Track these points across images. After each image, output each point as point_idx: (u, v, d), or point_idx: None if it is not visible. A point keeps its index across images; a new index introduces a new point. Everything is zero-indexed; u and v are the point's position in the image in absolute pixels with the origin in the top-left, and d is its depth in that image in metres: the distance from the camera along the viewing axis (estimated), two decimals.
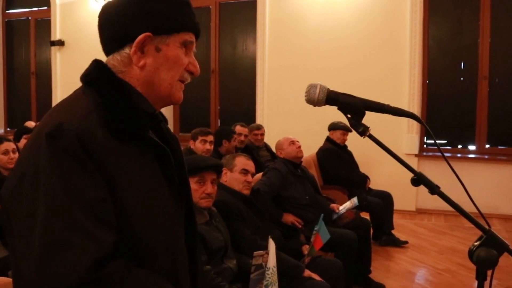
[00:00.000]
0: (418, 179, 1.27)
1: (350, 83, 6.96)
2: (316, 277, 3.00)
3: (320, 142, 5.97)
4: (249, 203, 3.32)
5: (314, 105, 1.30)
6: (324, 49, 7.31)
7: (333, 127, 5.84)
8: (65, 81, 9.05)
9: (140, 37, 1.20)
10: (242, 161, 3.32)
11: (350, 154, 5.96)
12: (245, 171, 3.29)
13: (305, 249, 3.40)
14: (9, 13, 9.99)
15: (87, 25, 8.58)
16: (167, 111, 8.53)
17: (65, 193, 1.03)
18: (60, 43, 8.85)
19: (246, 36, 8.17)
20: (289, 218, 4.07)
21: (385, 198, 5.65)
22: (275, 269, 2.70)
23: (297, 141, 4.48)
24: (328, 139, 5.88)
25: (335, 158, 5.67)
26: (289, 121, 7.45)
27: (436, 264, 4.91)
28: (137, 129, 1.18)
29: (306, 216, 4.09)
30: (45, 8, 9.26)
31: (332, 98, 1.29)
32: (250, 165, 3.34)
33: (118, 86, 1.21)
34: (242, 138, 6.05)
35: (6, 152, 3.98)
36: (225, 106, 8.45)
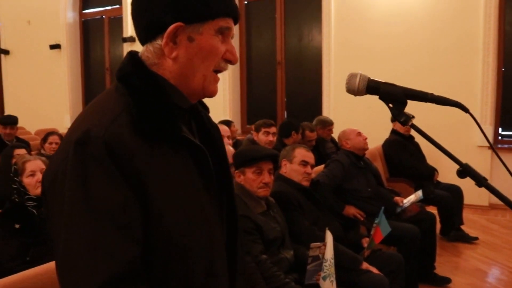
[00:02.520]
0: (464, 171, 1.23)
1: (419, 72, 6.71)
2: (374, 270, 2.96)
3: (386, 134, 5.84)
4: (308, 194, 3.33)
5: (355, 95, 1.28)
6: (391, 36, 7.10)
7: None
8: None
9: (171, 27, 1.14)
10: (302, 153, 3.33)
11: (417, 146, 5.78)
12: (304, 163, 3.29)
13: (365, 242, 3.35)
14: (85, 13, 10.51)
15: None
16: (235, 104, 8.65)
17: (87, 204, 1.02)
18: (131, 39, 9.18)
19: (312, 26, 8.11)
20: (351, 210, 4.02)
21: (454, 192, 5.43)
22: (332, 260, 2.69)
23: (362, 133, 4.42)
24: (393, 131, 5.75)
25: (401, 150, 5.52)
26: (355, 112, 7.32)
27: (509, 263, 4.67)
28: (168, 129, 1.13)
29: (369, 209, 4.02)
30: (117, 6, 9.65)
31: (373, 87, 1.26)
32: (309, 156, 3.34)
33: (151, 82, 1.16)
34: (313, 143, 5.78)
35: None
36: (292, 98, 8.44)
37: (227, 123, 6.27)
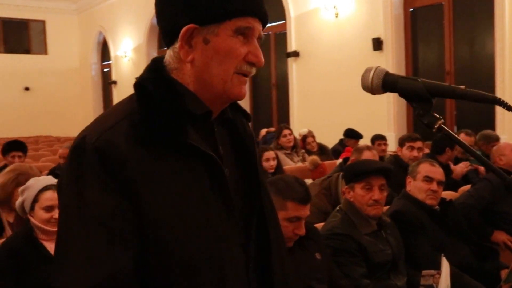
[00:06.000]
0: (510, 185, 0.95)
1: None
2: None
3: None
4: (436, 216, 2.96)
5: (372, 93, 1.06)
6: None
7: None
8: (300, 90, 9.51)
9: (183, 30, 1.08)
10: (426, 168, 2.98)
11: None
12: (428, 179, 2.94)
13: (504, 273, 2.86)
14: None
15: (320, 34, 8.87)
16: (400, 117, 8.18)
17: (78, 211, 1.03)
18: (295, 54, 9.33)
19: (484, 32, 7.32)
20: (501, 236, 3.49)
21: None
22: None
23: None
24: None
25: None
26: None
27: None
28: (170, 136, 1.06)
29: None
30: (282, 22, 9.87)
31: (390, 82, 1.02)
32: (434, 171, 2.97)
33: (163, 87, 1.10)
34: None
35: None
36: (462, 111, 7.70)
37: (380, 137, 5.95)
